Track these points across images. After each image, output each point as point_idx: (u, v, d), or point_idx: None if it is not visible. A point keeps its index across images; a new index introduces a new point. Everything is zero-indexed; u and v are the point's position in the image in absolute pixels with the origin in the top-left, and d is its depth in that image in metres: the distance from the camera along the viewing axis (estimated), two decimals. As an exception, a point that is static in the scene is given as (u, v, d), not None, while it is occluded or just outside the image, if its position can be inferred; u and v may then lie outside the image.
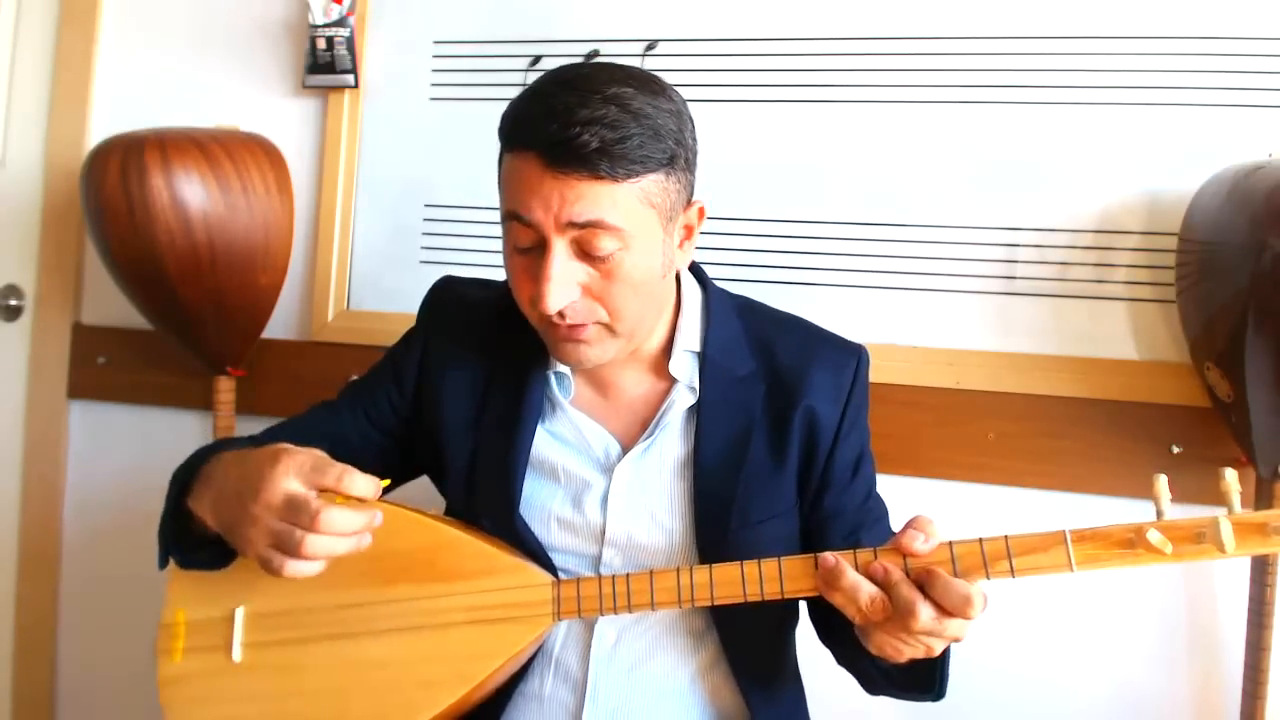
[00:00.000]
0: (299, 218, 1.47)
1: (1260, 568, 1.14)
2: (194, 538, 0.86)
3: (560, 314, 0.80)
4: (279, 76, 1.51)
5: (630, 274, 0.80)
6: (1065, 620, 1.26)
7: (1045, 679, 1.27)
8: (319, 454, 0.76)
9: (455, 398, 0.95)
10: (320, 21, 1.43)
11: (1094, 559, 0.71)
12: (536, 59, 1.41)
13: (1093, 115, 1.24)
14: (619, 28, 1.38)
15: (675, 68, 1.35)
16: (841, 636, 0.89)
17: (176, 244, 1.28)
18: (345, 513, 0.73)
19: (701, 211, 0.87)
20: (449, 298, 1.01)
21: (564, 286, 0.78)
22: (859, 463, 0.94)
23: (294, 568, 0.74)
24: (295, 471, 0.74)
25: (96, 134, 1.55)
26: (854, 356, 0.94)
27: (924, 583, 0.71)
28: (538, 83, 0.80)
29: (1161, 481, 0.70)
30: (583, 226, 0.76)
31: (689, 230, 0.87)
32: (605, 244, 0.77)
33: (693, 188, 0.86)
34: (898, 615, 0.70)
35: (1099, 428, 1.23)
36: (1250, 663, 1.15)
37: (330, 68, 1.45)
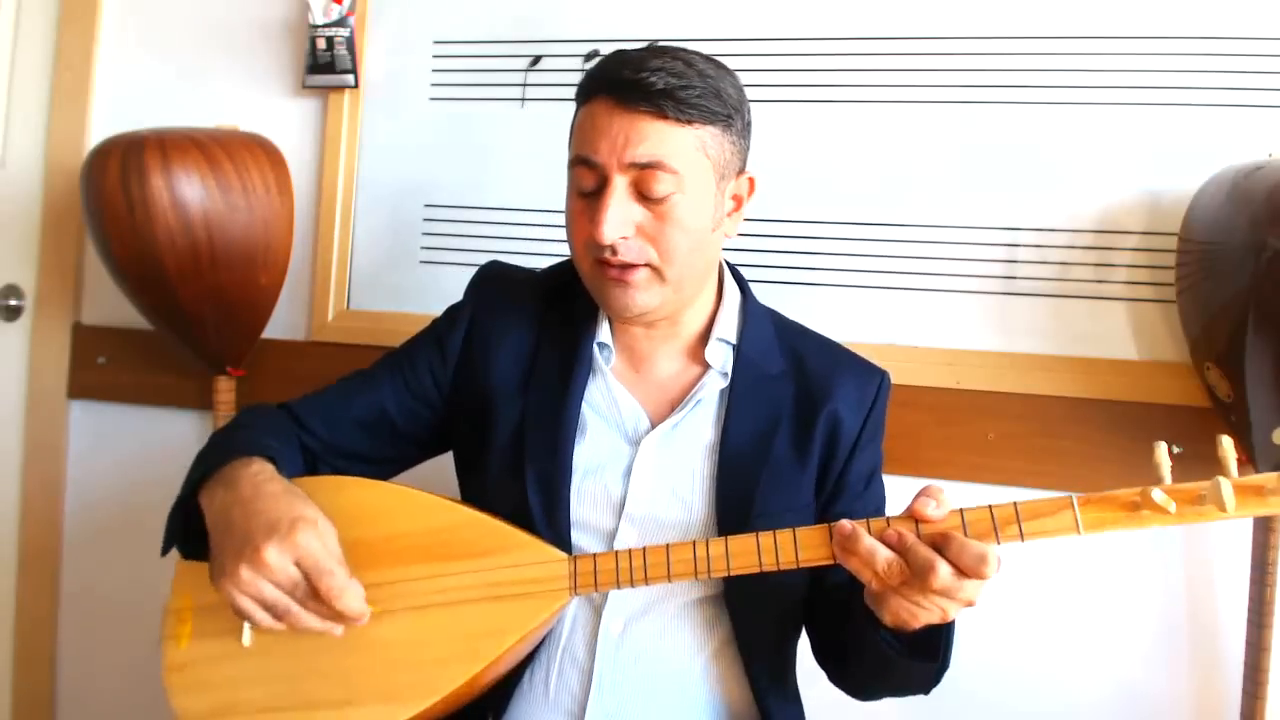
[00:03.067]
0: (299, 218, 1.47)
1: (1260, 567, 1.14)
2: (197, 529, 0.86)
3: (613, 249, 0.84)
4: (279, 76, 1.52)
5: (683, 219, 0.85)
6: (1065, 619, 1.26)
7: (1045, 678, 1.26)
8: (328, 550, 0.78)
9: (503, 366, 0.97)
10: (320, 21, 1.43)
11: (1100, 522, 0.72)
12: (536, 59, 1.41)
13: (1093, 115, 1.24)
14: (619, 28, 1.38)
15: (675, 68, 1.34)
16: (837, 649, 0.91)
17: (176, 244, 1.28)
18: (354, 595, 0.77)
19: (752, 184, 0.93)
20: (496, 276, 1.04)
21: (620, 220, 0.83)
22: (872, 477, 0.97)
23: (270, 626, 0.78)
24: (298, 555, 0.76)
25: (96, 134, 1.55)
26: (879, 376, 0.99)
27: (939, 545, 0.72)
28: (615, 50, 0.88)
29: (1161, 449, 0.72)
30: (644, 167, 0.82)
31: (738, 201, 0.92)
32: (663, 185, 0.83)
33: (746, 160, 0.91)
34: (915, 576, 0.72)
35: (1099, 428, 1.23)
36: (1250, 663, 1.15)
37: (330, 68, 1.45)
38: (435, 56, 1.45)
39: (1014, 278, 1.27)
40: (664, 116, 0.82)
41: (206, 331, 1.38)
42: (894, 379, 1.25)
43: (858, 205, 1.31)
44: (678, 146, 0.83)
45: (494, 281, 1.03)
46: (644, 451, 0.92)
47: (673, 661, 0.91)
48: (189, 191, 1.28)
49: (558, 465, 0.91)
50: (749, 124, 0.91)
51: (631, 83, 0.81)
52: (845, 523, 0.76)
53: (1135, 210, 1.23)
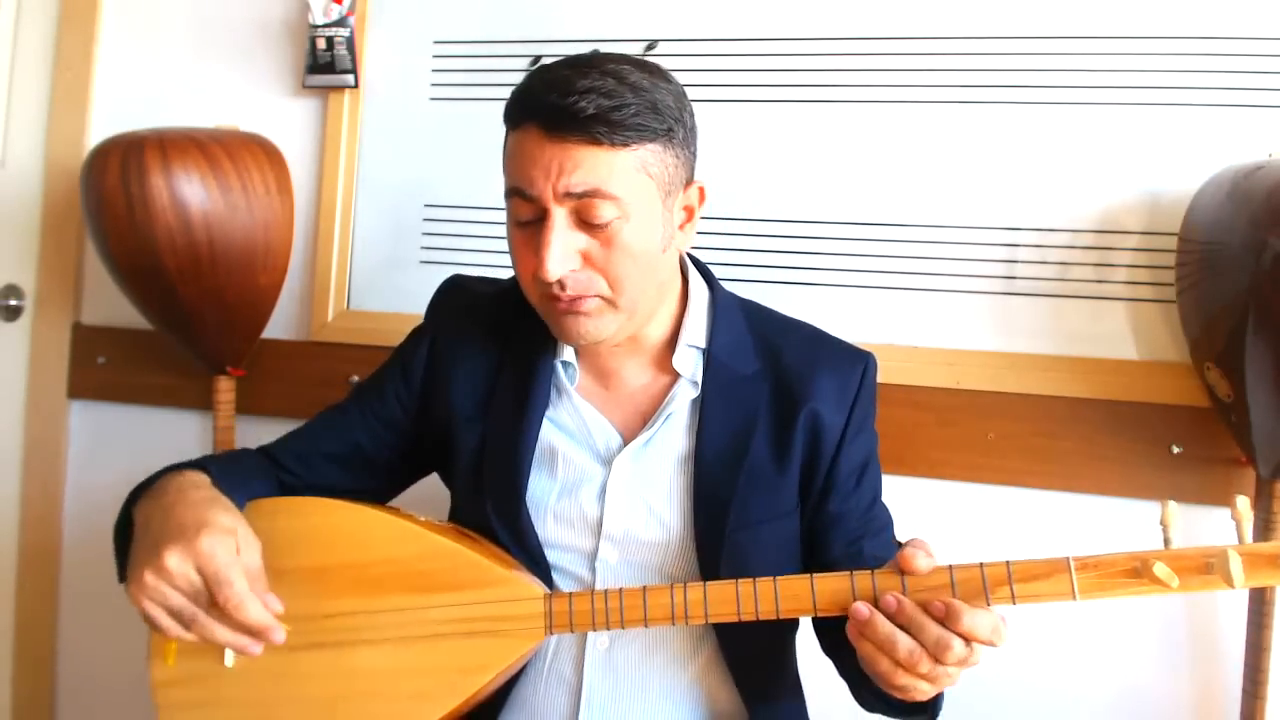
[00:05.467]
0: (299, 218, 1.47)
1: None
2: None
3: (560, 284, 0.81)
4: (279, 76, 1.51)
5: (629, 244, 0.81)
6: (1065, 620, 1.26)
7: (1045, 679, 1.26)
8: (234, 560, 0.75)
9: (464, 388, 0.95)
10: (320, 21, 1.43)
11: (1097, 588, 0.70)
12: (536, 59, 1.41)
13: (1093, 115, 1.24)
14: (619, 28, 1.38)
15: (675, 68, 1.32)
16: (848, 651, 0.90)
17: (176, 244, 1.28)
18: (256, 606, 0.75)
19: (702, 192, 0.89)
20: (457, 293, 1.02)
21: (563, 254, 0.79)
22: (864, 469, 0.94)
23: (181, 636, 0.76)
24: (199, 561, 0.74)
25: (96, 134, 1.55)
26: (861, 362, 0.94)
27: (940, 618, 0.70)
28: (540, 66, 0.83)
29: (1171, 509, 0.70)
30: (581, 196, 0.78)
31: (689, 212, 0.88)
32: (604, 212, 0.79)
33: (693, 168, 0.87)
34: (928, 652, 0.70)
35: (1099, 428, 1.23)
36: (1250, 663, 1.15)
37: (330, 68, 1.45)
38: (435, 56, 1.45)
39: (1014, 278, 1.26)
40: (598, 143, 0.77)
41: (206, 331, 1.38)
42: (894, 379, 1.27)
43: (857, 205, 1.31)
44: (616, 171, 0.78)
45: (454, 299, 1.01)
46: (617, 470, 0.90)
47: (662, 675, 0.90)
48: (189, 191, 1.28)
49: (514, 495, 0.89)
50: (693, 130, 0.86)
51: (560, 109, 0.76)
52: (862, 606, 0.72)
53: (1135, 210, 1.23)
